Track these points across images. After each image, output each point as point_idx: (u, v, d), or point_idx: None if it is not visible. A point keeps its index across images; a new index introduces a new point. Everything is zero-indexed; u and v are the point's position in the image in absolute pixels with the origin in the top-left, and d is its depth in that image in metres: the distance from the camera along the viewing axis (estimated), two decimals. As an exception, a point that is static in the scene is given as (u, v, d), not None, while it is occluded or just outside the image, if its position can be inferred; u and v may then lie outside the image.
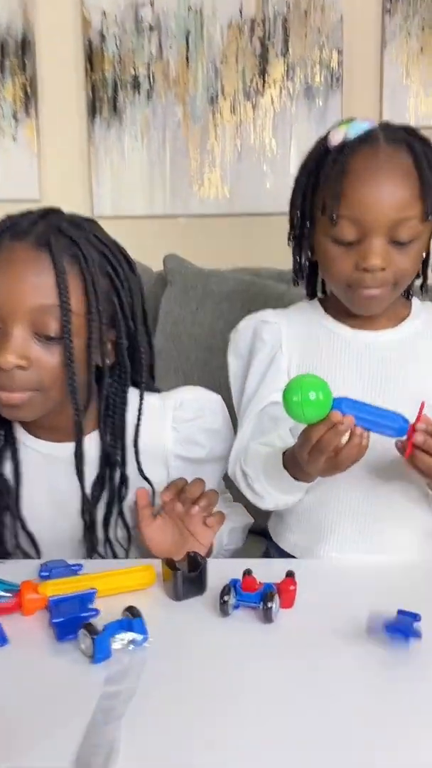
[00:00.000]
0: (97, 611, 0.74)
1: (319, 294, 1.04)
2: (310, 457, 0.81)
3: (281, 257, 1.52)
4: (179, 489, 0.89)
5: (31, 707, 0.63)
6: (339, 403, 0.79)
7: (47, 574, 0.82)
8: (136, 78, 2.03)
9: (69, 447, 0.89)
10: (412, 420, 0.82)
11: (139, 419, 0.92)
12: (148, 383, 0.94)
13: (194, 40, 1.97)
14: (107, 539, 0.94)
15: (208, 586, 0.80)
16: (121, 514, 0.93)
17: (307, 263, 0.98)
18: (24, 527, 0.92)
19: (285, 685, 0.66)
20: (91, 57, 2.01)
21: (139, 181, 2.05)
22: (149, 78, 2.03)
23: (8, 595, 0.77)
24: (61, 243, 0.82)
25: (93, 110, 2.05)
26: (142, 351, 0.91)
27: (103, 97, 2.05)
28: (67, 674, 0.67)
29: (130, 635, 0.69)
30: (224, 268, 1.71)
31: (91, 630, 0.68)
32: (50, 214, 0.87)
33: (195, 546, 0.88)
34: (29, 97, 2.05)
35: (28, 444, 0.93)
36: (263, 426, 0.95)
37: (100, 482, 0.91)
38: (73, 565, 0.84)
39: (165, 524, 0.90)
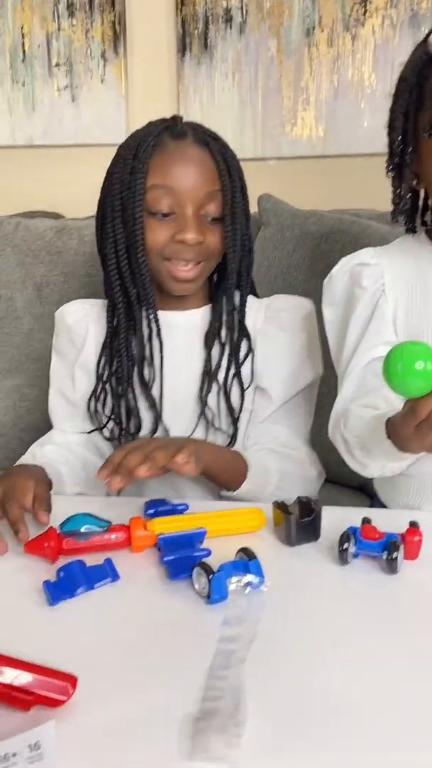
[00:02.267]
0: (208, 551, 0.70)
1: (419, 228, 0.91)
2: (417, 433, 0.71)
3: (379, 202, 1.42)
4: (115, 465, 0.80)
5: (147, 646, 0.60)
6: None
7: (153, 511, 0.79)
8: (228, 11, 1.92)
9: (186, 315, 1.00)
10: None
11: (242, 295, 1.00)
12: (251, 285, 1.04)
13: (290, -33, 1.85)
14: (225, 390, 0.98)
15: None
16: (238, 372, 0.99)
17: (408, 195, 0.86)
18: (158, 390, 0.98)
19: (411, 640, 0.61)
20: (182, -10, 1.92)
21: (229, 121, 1.96)
22: (242, 10, 1.92)
23: (100, 530, 0.74)
24: (213, 141, 0.94)
25: (183, 47, 1.97)
26: (251, 235, 1.01)
27: (194, 33, 1.96)
28: (182, 614, 0.64)
29: (247, 577, 0.65)
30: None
31: (206, 569, 0.64)
32: (181, 118, 0.97)
33: None
34: (118, 35, 1.98)
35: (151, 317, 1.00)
36: (367, 385, 0.87)
37: (215, 335, 0.99)
38: (179, 505, 0.81)
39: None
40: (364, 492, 1.24)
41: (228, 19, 1.93)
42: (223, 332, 1.00)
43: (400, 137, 0.82)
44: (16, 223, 1.56)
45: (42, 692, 0.50)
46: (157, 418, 0.98)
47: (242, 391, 0.99)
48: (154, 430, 0.98)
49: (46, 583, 0.66)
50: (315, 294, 1.40)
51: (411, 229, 0.91)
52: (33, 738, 0.47)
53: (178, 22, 1.95)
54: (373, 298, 0.87)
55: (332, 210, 1.59)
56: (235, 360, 0.99)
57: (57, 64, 2.02)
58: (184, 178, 0.91)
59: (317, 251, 1.43)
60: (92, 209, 1.83)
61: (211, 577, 0.64)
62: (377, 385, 0.83)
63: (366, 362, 0.85)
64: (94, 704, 0.52)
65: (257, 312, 1.02)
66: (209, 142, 0.94)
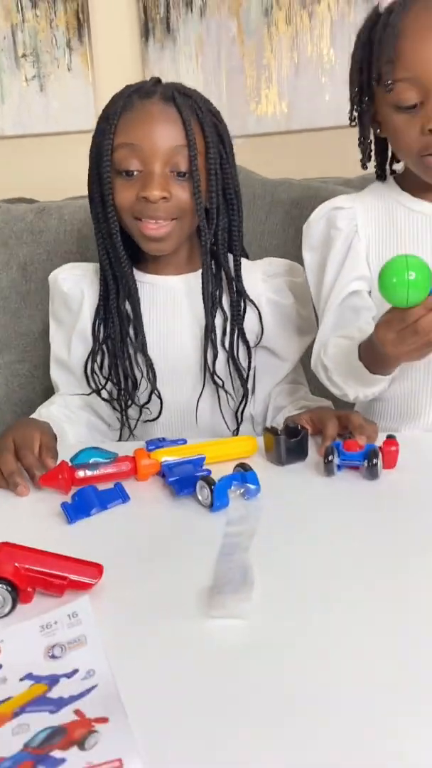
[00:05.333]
0: (209, 471, 0.77)
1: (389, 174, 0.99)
2: (397, 337, 0.76)
3: (344, 171, 1.49)
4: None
5: (162, 547, 0.67)
6: None
7: (154, 447, 0.86)
8: (188, -5, 1.98)
9: (181, 279, 1.03)
10: None
11: (236, 255, 1.03)
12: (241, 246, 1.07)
13: None
14: (231, 354, 1.02)
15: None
16: (241, 333, 1.02)
17: (371, 141, 0.94)
18: (145, 352, 1.01)
19: (389, 537, 0.69)
20: (142, -24, 1.98)
21: (196, 102, 2.02)
22: (201, -7, 1.98)
23: (107, 461, 0.80)
24: (181, 98, 0.96)
25: (146, 32, 2.02)
26: (238, 195, 1.03)
27: (156, 18, 2.02)
28: (189, 522, 0.71)
29: (245, 486, 0.73)
30: (288, 181, 1.69)
31: (209, 481, 0.72)
32: (160, 80, 1.01)
33: None
34: (82, 23, 2.03)
35: (144, 280, 1.03)
36: (344, 318, 0.94)
37: (212, 297, 1.01)
38: (177, 440, 0.88)
39: None
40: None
41: (188, 3, 1.99)
42: (223, 296, 1.02)
43: (357, 88, 0.91)
44: (-4, 208, 1.61)
45: (74, 576, 0.57)
46: (152, 379, 1.01)
47: (249, 350, 1.03)
48: (152, 392, 1.02)
49: (64, 505, 0.73)
50: (290, 256, 1.48)
51: (381, 176, 0.99)
52: (71, 609, 0.54)
53: (140, 8, 2.00)
54: (348, 237, 0.95)
55: (301, 180, 1.67)
56: (236, 322, 1.02)
57: (23, 55, 2.06)
58: (147, 135, 0.93)
59: (288, 217, 1.51)
60: (66, 194, 1.89)
61: (213, 487, 0.71)
62: (353, 318, 0.92)
63: (343, 297, 0.93)
64: (120, 587, 0.59)
65: (254, 274, 1.05)
66: (176, 97, 0.94)
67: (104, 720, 0.43)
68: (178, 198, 0.95)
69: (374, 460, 0.76)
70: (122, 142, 0.94)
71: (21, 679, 0.48)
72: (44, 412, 1.05)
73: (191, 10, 1.99)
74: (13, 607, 0.56)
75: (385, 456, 0.79)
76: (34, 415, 1.05)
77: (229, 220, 1.03)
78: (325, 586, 0.59)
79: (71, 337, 1.06)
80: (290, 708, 0.47)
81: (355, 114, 0.92)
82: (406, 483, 0.77)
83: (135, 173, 0.95)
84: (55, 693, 0.47)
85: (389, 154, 0.96)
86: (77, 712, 0.44)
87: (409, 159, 0.89)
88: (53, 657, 0.50)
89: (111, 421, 1.09)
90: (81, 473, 0.79)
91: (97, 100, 2.04)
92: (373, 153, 0.95)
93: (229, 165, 1.01)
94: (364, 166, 0.96)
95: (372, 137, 0.93)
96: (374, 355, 0.83)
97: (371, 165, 0.97)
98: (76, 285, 1.06)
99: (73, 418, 1.06)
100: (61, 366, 1.09)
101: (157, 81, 1.01)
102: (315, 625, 0.54)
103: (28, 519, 0.75)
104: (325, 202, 0.98)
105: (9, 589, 0.55)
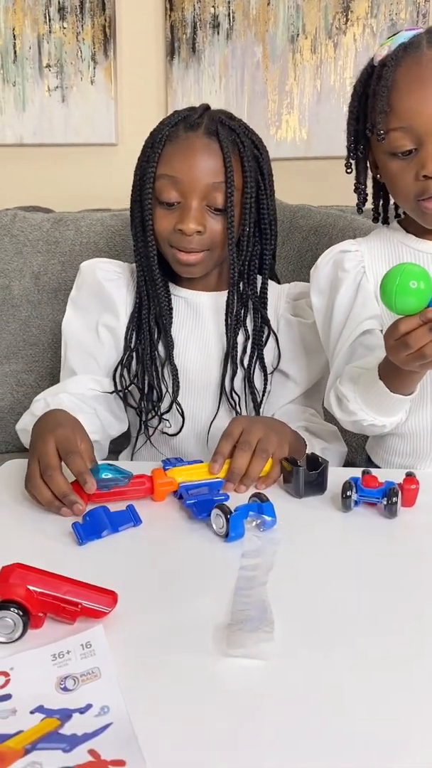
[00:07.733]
0: (227, 496, 0.76)
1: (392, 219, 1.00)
2: (394, 347, 0.76)
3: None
4: (226, 457, 0.84)
5: (176, 576, 0.65)
6: None
7: (171, 466, 0.84)
8: (215, 17, 2.00)
9: (211, 296, 1.06)
10: None
11: (264, 278, 1.06)
12: (272, 268, 1.09)
13: (276, -23, 1.93)
14: (249, 378, 1.03)
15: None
16: (260, 357, 1.04)
17: (364, 188, 0.96)
18: (171, 362, 1.03)
19: (405, 571, 0.67)
20: (171, -4, 1.99)
21: (216, 123, 2.03)
22: (229, 17, 2.00)
23: (124, 479, 0.78)
24: (225, 132, 0.98)
25: (171, 51, 2.03)
26: (272, 224, 1.05)
27: (182, 38, 2.03)
28: (203, 550, 0.70)
29: (261, 517, 0.71)
30: (306, 207, 1.68)
31: (224, 510, 0.70)
32: (208, 109, 1.03)
33: None
34: (108, 38, 2.04)
35: (177, 294, 1.06)
36: (357, 354, 0.93)
37: (236, 319, 1.03)
38: (193, 461, 0.86)
39: None
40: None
41: (215, 25, 2.01)
42: (248, 316, 1.04)
43: (353, 137, 0.93)
44: (13, 215, 1.60)
45: (88, 603, 0.55)
46: (175, 392, 1.02)
47: (265, 375, 1.04)
48: (172, 402, 1.03)
49: (75, 525, 0.71)
50: (306, 281, 1.48)
51: (384, 220, 1.00)
52: (84, 638, 0.52)
53: (167, 26, 2.02)
54: (356, 278, 0.95)
55: (319, 207, 1.67)
56: (257, 345, 1.04)
57: (48, 66, 2.07)
58: (188, 169, 0.96)
59: (305, 244, 1.50)
60: (82, 206, 1.89)
61: (229, 516, 0.69)
62: (366, 354, 0.91)
63: (355, 336, 0.92)
64: (132, 617, 0.57)
65: (278, 298, 1.07)
66: (220, 131, 0.96)
67: (121, 763, 0.41)
68: (212, 230, 0.98)
69: (394, 499, 0.75)
70: (164, 172, 0.97)
71: (32, 712, 0.46)
72: (51, 402, 0.98)
73: (218, 33, 2.00)
74: (24, 632, 0.54)
75: (404, 494, 0.77)
76: (36, 405, 1.01)
77: (261, 247, 1.05)
78: (344, 627, 0.57)
79: (98, 326, 1.05)
80: (310, 754, 0.45)
81: (352, 161, 0.94)
82: (425, 522, 0.76)
83: (174, 204, 0.97)
84: (67, 729, 0.44)
85: (390, 197, 0.97)
86: (92, 752, 0.42)
87: (407, 204, 0.90)
88: (65, 689, 0.48)
89: (122, 415, 1.07)
90: (95, 491, 0.77)
91: (118, 115, 2.05)
92: (370, 196, 0.97)
93: (266, 196, 1.03)
94: (359, 211, 0.97)
95: (372, 182, 0.95)
96: (392, 368, 0.82)
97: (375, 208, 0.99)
98: (113, 281, 1.07)
99: (85, 408, 1.00)
100: (84, 351, 1.06)
101: (205, 109, 1.02)
102: (336, 668, 0.52)
103: (35, 538, 0.73)
104: (332, 247, 0.99)
105: (21, 613, 0.53)
